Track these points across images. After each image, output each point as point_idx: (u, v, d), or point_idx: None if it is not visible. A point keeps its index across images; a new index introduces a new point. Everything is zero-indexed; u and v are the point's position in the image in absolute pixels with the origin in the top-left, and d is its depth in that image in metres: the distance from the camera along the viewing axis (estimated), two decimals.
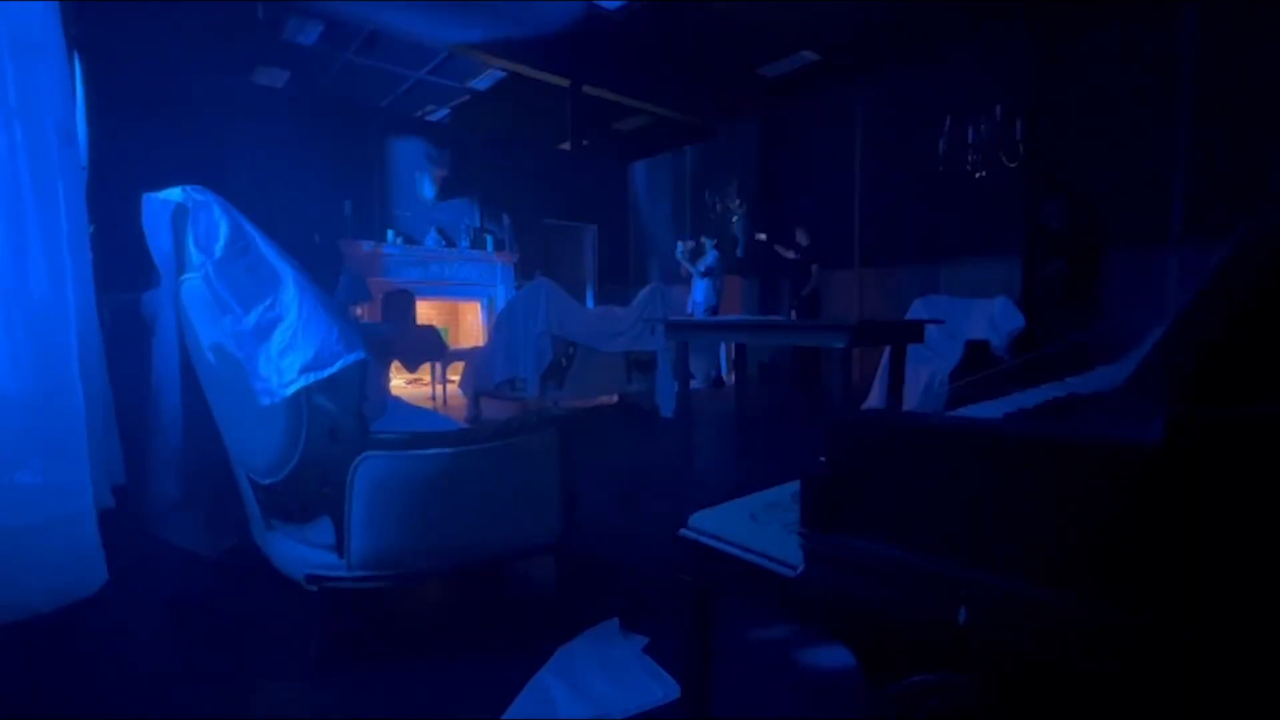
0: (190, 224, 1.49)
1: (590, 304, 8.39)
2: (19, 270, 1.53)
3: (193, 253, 1.49)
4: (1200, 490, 0.48)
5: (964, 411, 1.17)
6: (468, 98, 7.17)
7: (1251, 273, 0.64)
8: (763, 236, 6.38)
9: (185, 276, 1.58)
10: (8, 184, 1.49)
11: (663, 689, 1.34)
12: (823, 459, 0.66)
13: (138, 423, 2.02)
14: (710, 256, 6.68)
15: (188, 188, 1.51)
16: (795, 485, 0.99)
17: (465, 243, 7.62)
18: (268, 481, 1.57)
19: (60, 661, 1.46)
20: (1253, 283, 0.63)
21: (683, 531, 1.01)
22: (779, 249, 6.25)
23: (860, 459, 0.64)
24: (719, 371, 7.03)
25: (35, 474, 1.51)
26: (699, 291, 6.69)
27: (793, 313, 3.26)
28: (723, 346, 6.88)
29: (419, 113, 7.60)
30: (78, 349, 1.60)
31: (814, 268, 5.99)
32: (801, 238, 6.10)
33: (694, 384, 5.98)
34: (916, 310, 4.73)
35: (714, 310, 6.61)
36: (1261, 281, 0.62)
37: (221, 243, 1.45)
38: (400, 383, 6.65)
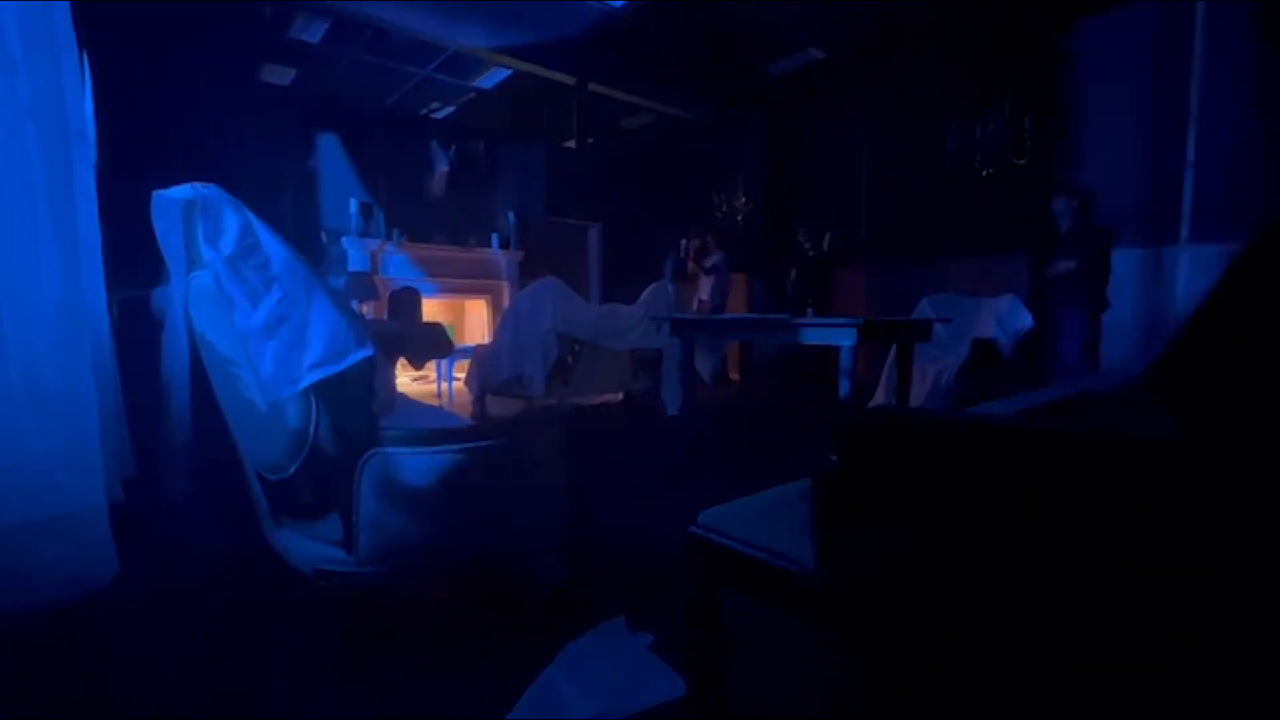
0: (199, 221, 1.50)
1: (596, 302, 8.38)
2: (34, 267, 1.54)
3: (202, 250, 1.50)
4: (1220, 484, 0.48)
5: (974, 409, 1.16)
6: (473, 95, 7.17)
7: (1263, 273, 0.64)
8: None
9: (194, 273, 1.59)
10: (22, 183, 1.50)
11: (669, 686, 1.34)
12: (833, 457, 0.66)
13: (148, 418, 2.04)
14: (716, 254, 6.67)
15: (197, 185, 1.51)
16: (804, 483, 0.99)
17: (471, 240, 7.63)
18: (276, 478, 1.58)
19: (72, 651, 1.48)
20: (1264, 282, 0.63)
21: (692, 529, 1.01)
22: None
23: (874, 457, 0.63)
24: (724, 369, 7.02)
25: (59, 469, 1.53)
26: (704, 289, 6.68)
27: (810, 310, 3.27)
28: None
29: (425, 110, 7.61)
30: (90, 345, 1.62)
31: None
32: (804, 238, 6.12)
33: (699, 381, 5.98)
34: (923, 308, 4.71)
35: (720, 308, 6.60)
36: (1273, 281, 0.62)
37: (230, 240, 1.46)
38: (406, 379, 6.67)
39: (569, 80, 6.41)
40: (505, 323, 4.71)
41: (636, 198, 8.80)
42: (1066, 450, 0.53)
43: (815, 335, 2.97)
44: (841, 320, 2.78)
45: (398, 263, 7.08)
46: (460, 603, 1.81)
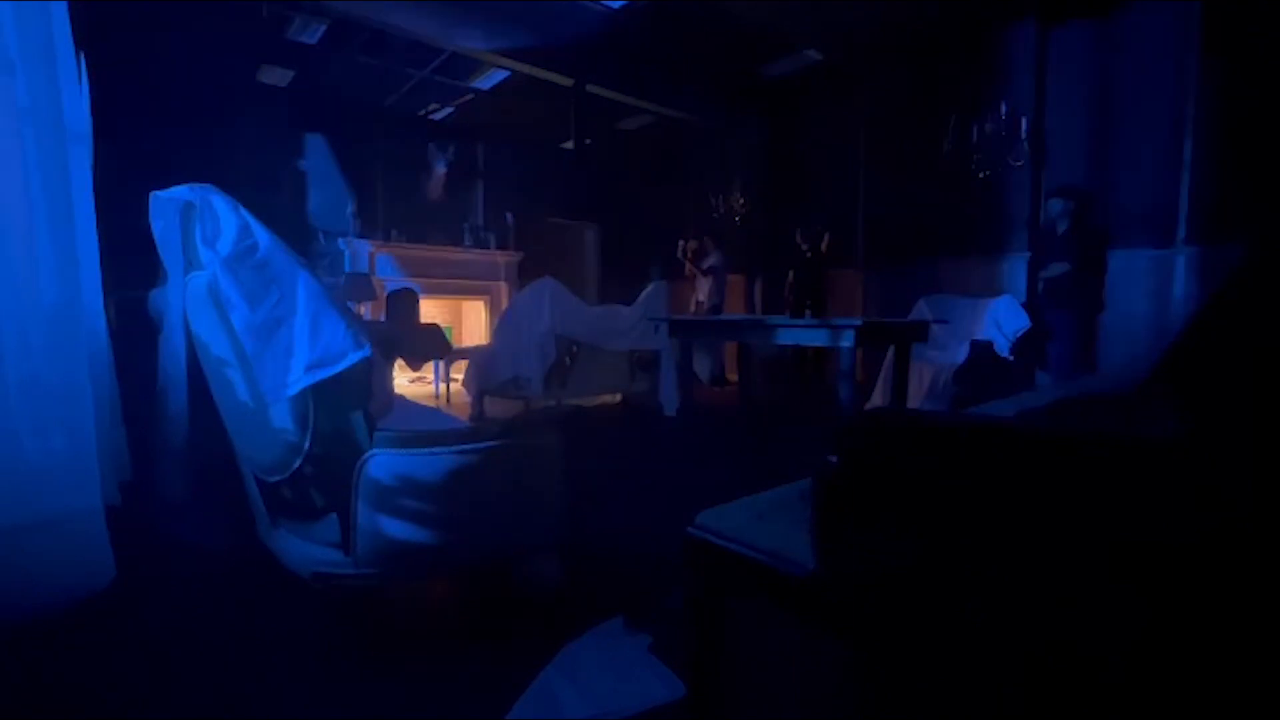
0: (197, 222, 1.49)
1: (593, 303, 8.37)
2: (32, 269, 1.54)
3: (200, 251, 1.50)
4: (1220, 484, 0.48)
5: (974, 410, 1.17)
6: (471, 96, 7.17)
7: (1263, 275, 0.64)
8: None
9: (192, 274, 1.58)
10: (19, 184, 1.50)
11: (667, 688, 1.34)
12: (833, 458, 0.66)
13: (145, 420, 2.03)
14: (713, 255, 6.68)
15: (194, 186, 1.51)
16: (803, 484, 0.99)
17: (469, 241, 7.63)
18: (273, 479, 1.58)
19: (68, 653, 1.47)
20: (1265, 285, 0.63)
21: (690, 530, 1.01)
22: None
23: (874, 458, 0.64)
24: (722, 370, 7.03)
25: (56, 471, 1.52)
26: (702, 290, 6.69)
27: (808, 312, 3.27)
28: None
29: (422, 111, 7.60)
30: (87, 347, 1.61)
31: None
32: (801, 239, 6.13)
33: (697, 381, 5.98)
34: (920, 309, 4.72)
35: (717, 309, 6.60)
36: (1273, 284, 0.62)
37: (228, 241, 1.46)
38: (403, 381, 6.66)
39: (566, 81, 6.41)
40: (503, 324, 4.71)
41: (634, 199, 8.80)
42: (1066, 450, 0.53)
43: (812, 337, 2.97)
44: (839, 322, 2.79)
45: (395, 263, 7.08)
46: (458, 604, 1.81)
